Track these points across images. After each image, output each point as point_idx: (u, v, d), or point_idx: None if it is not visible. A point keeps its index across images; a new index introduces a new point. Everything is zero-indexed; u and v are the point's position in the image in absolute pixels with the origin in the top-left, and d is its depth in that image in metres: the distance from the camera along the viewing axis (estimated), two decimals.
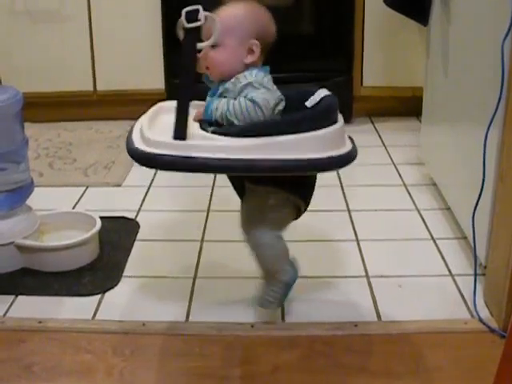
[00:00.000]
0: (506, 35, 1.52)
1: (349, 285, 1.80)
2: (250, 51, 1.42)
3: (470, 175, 1.77)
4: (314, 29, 3.06)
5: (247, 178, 1.53)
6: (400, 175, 2.51)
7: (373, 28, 2.99)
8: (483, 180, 1.64)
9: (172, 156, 1.32)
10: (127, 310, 1.69)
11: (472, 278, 1.71)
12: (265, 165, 1.33)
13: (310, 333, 1.60)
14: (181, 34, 1.31)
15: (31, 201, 1.88)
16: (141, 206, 2.28)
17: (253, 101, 1.36)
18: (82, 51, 3.04)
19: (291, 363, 1.50)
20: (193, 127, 1.39)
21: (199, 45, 1.33)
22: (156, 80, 3.02)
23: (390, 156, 2.71)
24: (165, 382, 1.45)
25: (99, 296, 1.75)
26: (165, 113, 1.50)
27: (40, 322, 1.64)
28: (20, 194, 1.83)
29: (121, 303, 1.73)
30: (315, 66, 2.96)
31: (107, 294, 1.76)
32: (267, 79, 1.41)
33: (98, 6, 2.99)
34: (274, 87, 1.42)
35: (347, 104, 3.02)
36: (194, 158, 1.32)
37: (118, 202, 2.33)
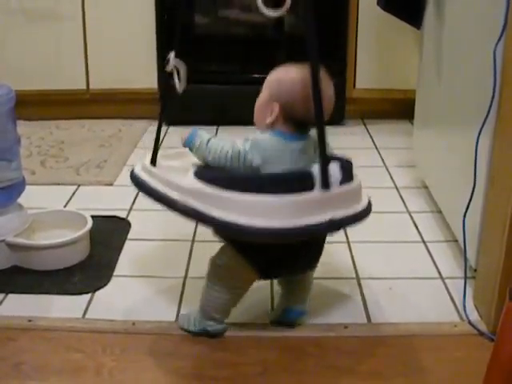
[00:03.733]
0: (499, 40, 1.53)
1: (339, 286, 1.80)
2: (271, 112, 1.41)
3: (462, 178, 1.78)
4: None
5: None
6: (392, 178, 2.52)
7: (366, 30, 3.00)
8: (474, 183, 1.64)
9: (139, 179, 1.50)
10: (117, 310, 1.69)
11: (462, 280, 1.72)
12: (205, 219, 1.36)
13: (300, 334, 1.60)
14: (167, 68, 1.50)
15: (23, 199, 1.88)
16: (132, 205, 2.28)
17: (232, 150, 1.37)
18: (76, 50, 3.04)
19: (281, 365, 1.50)
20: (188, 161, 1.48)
21: None
22: (149, 79, 3.02)
23: (381, 158, 2.72)
24: (154, 382, 1.45)
25: (90, 295, 1.75)
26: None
27: (30, 321, 1.63)
28: (11, 192, 1.82)
29: (111, 302, 1.72)
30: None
31: (98, 293, 1.76)
32: (270, 141, 1.38)
33: (92, 5, 2.99)
34: (272, 150, 1.37)
35: (340, 106, 3.02)
36: (143, 183, 1.48)
37: (110, 201, 2.33)
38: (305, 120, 1.39)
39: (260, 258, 1.45)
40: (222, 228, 1.38)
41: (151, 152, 1.53)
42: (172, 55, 1.49)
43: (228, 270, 1.49)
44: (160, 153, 1.53)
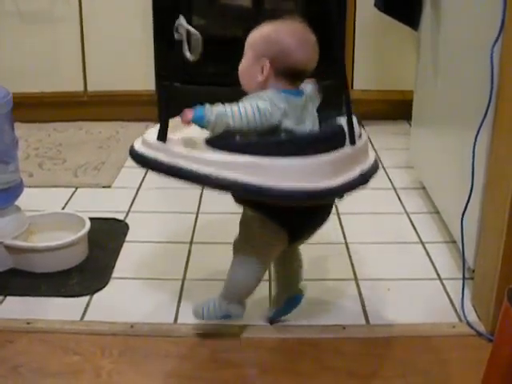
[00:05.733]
0: (496, 40, 1.53)
1: (337, 287, 1.80)
2: (262, 70, 1.38)
3: (459, 179, 1.78)
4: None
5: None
6: (389, 178, 2.52)
7: (363, 32, 3.01)
8: (472, 184, 1.64)
9: (143, 155, 1.36)
10: (116, 312, 1.69)
11: (460, 281, 1.72)
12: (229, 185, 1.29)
13: (298, 335, 1.60)
14: (176, 36, 1.33)
15: (21, 201, 1.87)
16: (130, 207, 2.28)
17: (256, 107, 1.31)
18: (73, 52, 3.04)
19: (279, 366, 1.50)
20: (194, 132, 1.37)
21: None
22: (146, 81, 3.02)
23: (379, 159, 2.71)
24: None
25: (88, 297, 1.75)
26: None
27: (28, 323, 1.63)
28: (9, 194, 1.82)
29: (109, 305, 1.72)
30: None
31: (96, 296, 1.76)
32: (278, 97, 1.34)
33: (89, 7, 2.98)
34: (281, 108, 1.33)
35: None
36: (161, 162, 1.33)
37: (108, 203, 2.33)
38: (301, 67, 1.38)
39: (291, 221, 1.44)
40: (263, 196, 1.30)
41: (155, 128, 1.40)
42: (182, 19, 1.35)
43: (261, 236, 1.46)
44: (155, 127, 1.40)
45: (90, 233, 1.92)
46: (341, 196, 1.41)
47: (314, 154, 1.29)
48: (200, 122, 1.32)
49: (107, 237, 2.04)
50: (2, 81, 2.69)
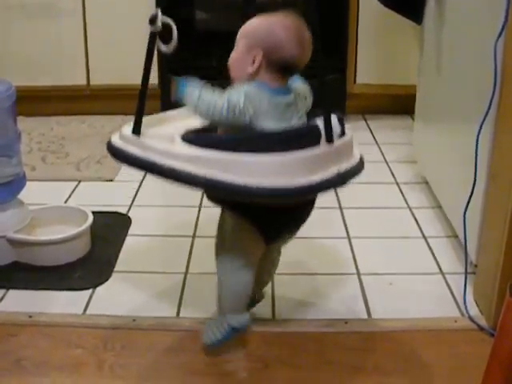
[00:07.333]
0: (499, 35, 1.52)
1: (340, 282, 1.80)
2: (253, 61, 1.36)
3: (462, 174, 1.78)
4: (307, 26, 3.05)
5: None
6: (392, 173, 2.52)
7: (367, 26, 3.00)
8: (475, 179, 1.64)
9: (117, 148, 1.40)
10: (118, 305, 1.69)
11: (462, 276, 1.72)
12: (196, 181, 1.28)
13: (301, 330, 1.60)
14: (151, 28, 1.36)
15: (23, 195, 1.88)
16: (133, 201, 2.28)
17: (227, 101, 1.29)
18: (76, 45, 3.04)
19: (281, 360, 1.50)
20: (173, 128, 1.38)
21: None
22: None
23: (382, 154, 2.72)
24: (155, 377, 1.45)
25: (90, 291, 1.75)
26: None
27: (31, 317, 1.63)
28: (12, 188, 1.82)
29: (112, 298, 1.73)
30: (308, 63, 2.96)
31: (98, 289, 1.76)
32: (257, 94, 1.32)
33: (92, 0, 2.98)
34: (263, 105, 1.31)
35: (340, 101, 3.02)
36: (133, 155, 1.36)
37: (110, 196, 2.33)
38: (291, 60, 1.36)
39: (264, 220, 1.40)
40: (232, 192, 1.27)
41: (132, 121, 1.41)
42: (158, 11, 1.35)
43: (235, 239, 1.43)
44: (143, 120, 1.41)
45: (93, 226, 1.93)
46: (314, 196, 1.38)
47: (284, 151, 1.26)
48: (179, 99, 1.35)
49: (110, 230, 2.05)
50: (5, 74, 2.69)
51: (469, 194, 1.66)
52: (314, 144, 1.30)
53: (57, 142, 2.85)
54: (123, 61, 3.05)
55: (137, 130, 1.38)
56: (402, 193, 2.36)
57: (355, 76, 3.08)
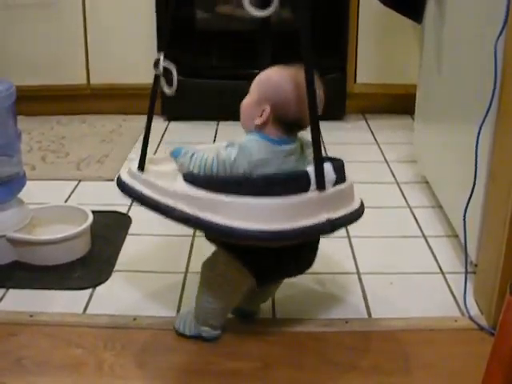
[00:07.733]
0: (500, 34, 1.52)
1: (340, 281, 1.80)
2: (262, 113, 1.37)
3: (462, 173, 1.78)
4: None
5: None
6: (392, 173, 2.52)
7: (367, 25, 3.00)
8: (475, 178, 1.64)
9: (126, 185, 1.47)
10: (118, 305, 1.69)
11: (463, 275, 1.72)
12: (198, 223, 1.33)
13: (301, 329, 1.60)
14: (156, 71, 1.46)
15: (23, 194, 1.88)
16: (133, 200, 2.28)
17: (215, 159, 1.34)
18: (76, 45, 3.04)
19: (281, 360, 1.50)
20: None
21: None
22: (150, 75, 2.99)
23: (382, 153, 2.72)
24: (155, 377, 1.45)
25: (90, 290, 1.75)
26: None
27: (31, 316, 1.63)
28: (12, 187, 1.82)
29: (112, 298, 1.73)
30: None
31: (98, 289, 1.76)
32: (255, 145, 1.35)
33: (92, 0, 2.98)
34: (260, 155, 1.34)
35: (340, 101, 3.03)
36: (135, 190, 1.45)
37: (111, 196, 2.32)
38: (296, 121, 1.37)
39: (256, 262, 1.42)
40: (217, 232, 1.33)
41: (138, 157, 1.49)
42: (162, 56, 1.44)
43: (224, 277, 1.45)
44: (148, 157, 1.48)
45: (93, 226, 1.93)
46: (298, 241, 1.37)
47: (270, 196, 1.28)
48: (175, 158, 1.43)
49: (110, 230, 2.05)
50: (5, 74, 2.69)
51: (469, 193, 1.66)
52: (302, 190, 1.30)
53: (57, 141, 2.85)
54: (123, 61, 3.05)
55: (141, 166, 1.47)
56: (402, 192, 2.36)
57: (355, 75, 3.08)
